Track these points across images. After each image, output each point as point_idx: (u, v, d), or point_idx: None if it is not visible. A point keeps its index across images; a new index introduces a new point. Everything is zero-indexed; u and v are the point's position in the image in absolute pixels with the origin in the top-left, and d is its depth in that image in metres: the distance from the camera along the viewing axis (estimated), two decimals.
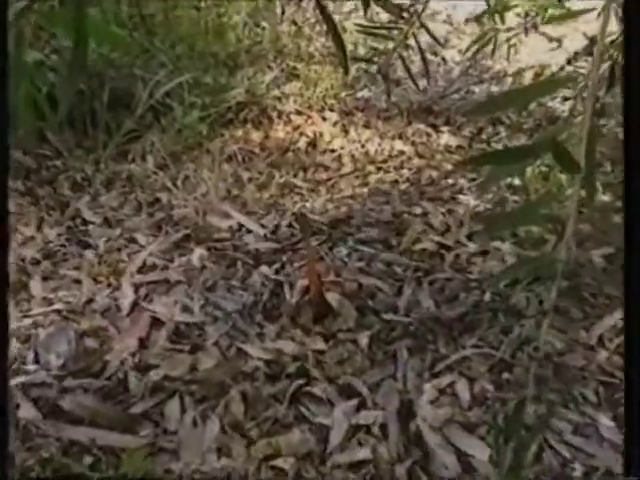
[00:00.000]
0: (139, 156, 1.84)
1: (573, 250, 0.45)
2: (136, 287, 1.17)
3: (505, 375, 0.94)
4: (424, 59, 0.90)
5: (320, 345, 1.00)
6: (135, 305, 1.12)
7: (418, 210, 1.52)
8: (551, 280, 0.50)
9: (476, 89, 2.52)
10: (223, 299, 1.14)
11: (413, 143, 2.04)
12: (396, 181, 1.76)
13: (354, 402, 0.89)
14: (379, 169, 1.86)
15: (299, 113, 2.21)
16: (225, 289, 1.17)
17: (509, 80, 2.47)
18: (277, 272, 1.23)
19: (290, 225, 1.46)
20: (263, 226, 1.45)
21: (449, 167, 1.79)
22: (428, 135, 2.10)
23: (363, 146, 2.01)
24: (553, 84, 0.50)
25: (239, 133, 2.07)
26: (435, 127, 2.16)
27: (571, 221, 0.46)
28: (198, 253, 1.30)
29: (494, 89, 2.47)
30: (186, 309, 1.11)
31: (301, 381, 0.92)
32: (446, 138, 2.05)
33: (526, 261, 0.66)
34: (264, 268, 1.24)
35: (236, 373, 0.94)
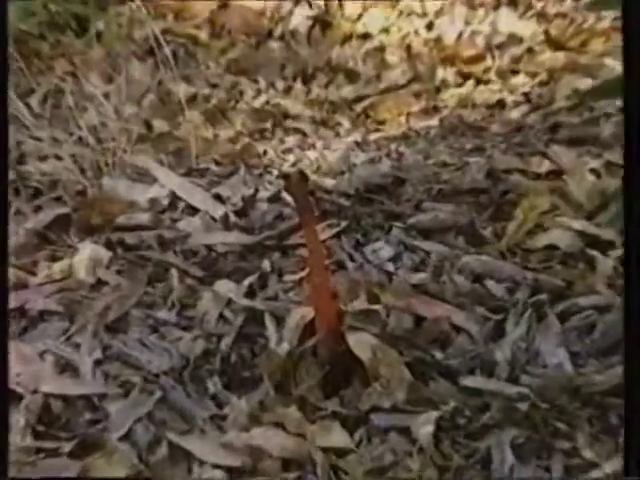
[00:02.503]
0: None
1: None
2: None
3: None
4: None
5: (338, 438, 1.07)
6: None
7: (543, 165, 1.59)
8: None
9: None
10: (141, 348, 1.22)
11: (542, 16, 2.09)
12: (499, 102, 1.82)
13: None
14: (464, 77, 1.92)
15: None
16: (145, 327, 1.26)
17: None
18: (250, 292, 1.31)
19: (276, 198, 1.55)
20: (220, 199, 1.53)
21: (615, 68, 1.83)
22: None
23: (430, 25, 2.07)
24: None
25: None
26: None
27: None
28: (88, 252, 1.38)
29: None
30: (66, 368, 1.19)
31: None
32: None
33: None
34: (224, 284, 1.32)
35: None
